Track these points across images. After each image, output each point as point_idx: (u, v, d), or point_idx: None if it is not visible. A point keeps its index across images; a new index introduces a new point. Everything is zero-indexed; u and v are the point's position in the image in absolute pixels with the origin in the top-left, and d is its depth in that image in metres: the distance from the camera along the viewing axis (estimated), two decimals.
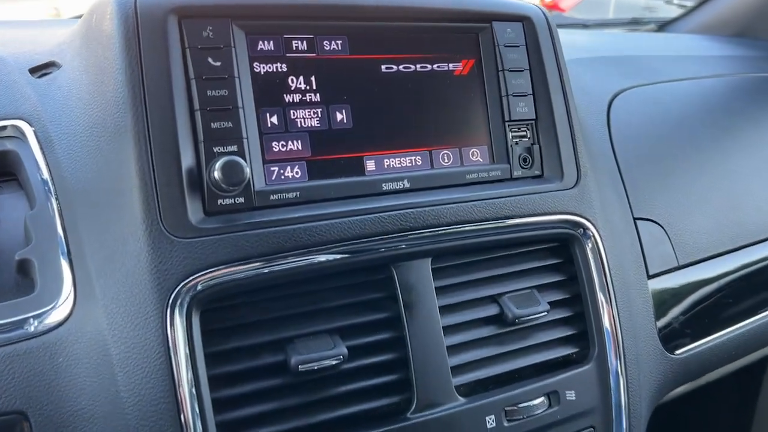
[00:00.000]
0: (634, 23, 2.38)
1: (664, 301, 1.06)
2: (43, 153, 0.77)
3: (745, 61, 1.64)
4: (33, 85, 0.83)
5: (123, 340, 0.69)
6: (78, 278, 0.71)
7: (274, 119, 0.78)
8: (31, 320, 0.70)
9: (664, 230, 1.09)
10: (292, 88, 0.79)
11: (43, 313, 0.70)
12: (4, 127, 0.78)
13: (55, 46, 0.92)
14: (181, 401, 0.68)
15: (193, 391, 0.69)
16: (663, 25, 2.23)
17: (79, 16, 0.90)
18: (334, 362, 0.75)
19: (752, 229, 1.19)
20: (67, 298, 0.71)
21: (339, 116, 0.81)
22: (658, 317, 1.04)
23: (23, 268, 0.73)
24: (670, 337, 1.05)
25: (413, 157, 0.85)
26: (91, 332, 0.70)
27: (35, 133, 0.78)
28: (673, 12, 2.36)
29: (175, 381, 0.68)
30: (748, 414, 2.11)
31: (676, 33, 2.09)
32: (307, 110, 0.80)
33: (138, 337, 0.69)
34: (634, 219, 1.07)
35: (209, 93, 0.74)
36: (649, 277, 1.05)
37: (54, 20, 1.28)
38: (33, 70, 0.88)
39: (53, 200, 0.75)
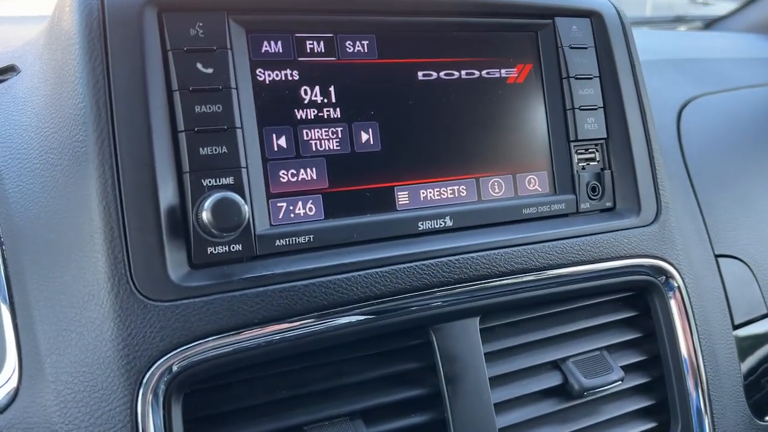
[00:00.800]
0: (678, 21, 2.19)
1: (751, 355, 0.88)
2: None
3: None
4: None
5: None
6: (24, 352, 0.55)
7: (282, 141, 0.61)
8: None
9: (750, 269, 0.91)
10: (306, 102, 0.62)
11: None
12: None
13: (20, 47, 0.76)
14: None
15: None
16: (711, 23, 2.04)
17: None
18: None
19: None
20: (9, 378, 0.54)
21: (364, 136, 0.64)
22: (745, 376, 0.86)
23: None
24: (759, 400, 0.87)
25: (456, 187, 0.68)
26: (38, 424, 0.53)
27: None
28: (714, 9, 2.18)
29: None
30: None
31: (728, 32, 1.90)
32: (324, 129, 0.63)
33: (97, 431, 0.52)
34: (716, 256, 0.88)
35: (198, 109, 0.57)
36: (735, 327, 0.87)
37: (34, 17, 1.12)
38: None
39: None
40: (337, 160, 0.63)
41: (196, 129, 0.56)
